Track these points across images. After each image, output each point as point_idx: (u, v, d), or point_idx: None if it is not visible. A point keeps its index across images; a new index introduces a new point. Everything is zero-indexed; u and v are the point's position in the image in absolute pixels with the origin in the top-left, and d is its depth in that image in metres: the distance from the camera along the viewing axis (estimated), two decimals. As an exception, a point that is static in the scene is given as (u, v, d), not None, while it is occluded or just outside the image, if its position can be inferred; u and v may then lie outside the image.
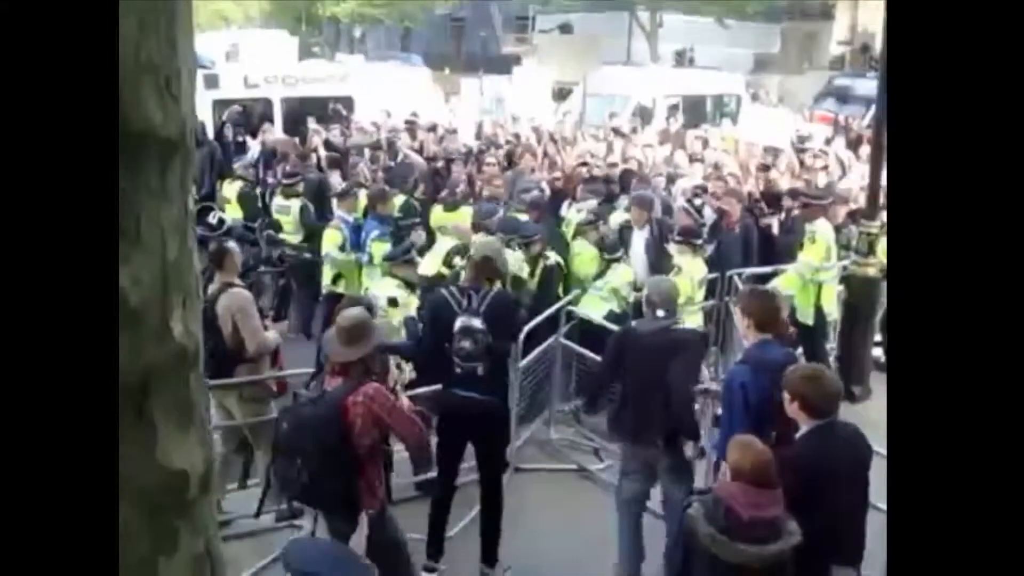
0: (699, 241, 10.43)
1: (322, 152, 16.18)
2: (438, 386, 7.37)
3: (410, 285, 8.91)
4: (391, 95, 21.35)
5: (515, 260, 10.20)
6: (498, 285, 7.28)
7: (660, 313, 6.96)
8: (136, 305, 1.72)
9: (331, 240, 11.19)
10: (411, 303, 8.50)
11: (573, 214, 12.43)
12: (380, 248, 10.31)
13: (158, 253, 1.78)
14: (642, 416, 6.90)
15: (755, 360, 6.14)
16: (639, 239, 11.43)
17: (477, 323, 6.97)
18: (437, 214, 12.14)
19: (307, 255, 11.60)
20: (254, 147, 16.65)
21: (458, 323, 7.00)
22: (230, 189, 13.49)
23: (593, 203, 12.38)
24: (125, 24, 1.63)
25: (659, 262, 10.80)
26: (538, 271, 10.54)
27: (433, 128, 18.69)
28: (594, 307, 10.46)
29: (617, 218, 11.94)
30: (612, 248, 10.89)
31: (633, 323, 7.28)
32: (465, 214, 11.94)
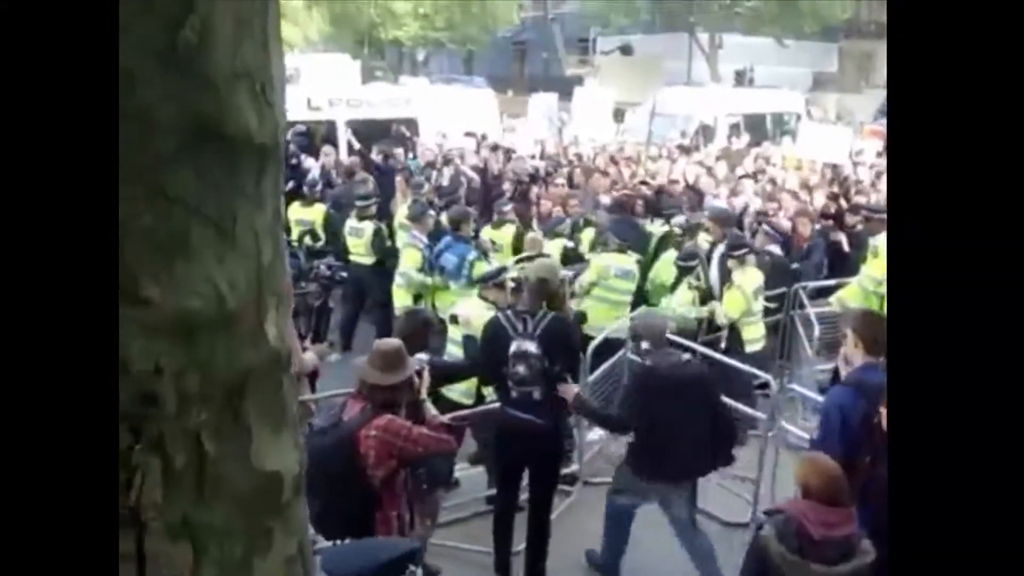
0: (743, 251, 10.43)
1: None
2: (494, 405, 7.37)
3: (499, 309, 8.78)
4: (456, 117, 21.43)
5: (627, 266, 10.43)
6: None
7: (644, 345, 7.02)
8: (233, 308, 1.73)
9: (411, 260, 11.22)
10: (475, 324, 8.37)
11: (655, 227, 12.60)
12: (480, 269, 10.29)
13: (253, 257, 1.80)
14: (658, 453, 6.88)
15: (858, 383, 5.95)
16: (716, 254, 11.40)
17: (532, 347, 6.94)
18: (485, 231, 12.32)
19: (343, 273, 11.57)
20: (314, 168, 16.71)
21: (513, 347, 6.97)
22: (313, 212, 13.31)
23: (682, 219, 12.48)
24: (221, 27, 1.65)
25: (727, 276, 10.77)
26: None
27: (495, 148, 18.79)
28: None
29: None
30: (688, 256, 10.84)
31: (647, 360, 7.23)
32: (507, 232, 12.16)
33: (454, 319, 8.82)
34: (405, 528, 5.88)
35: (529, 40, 57.12)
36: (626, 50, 48.07)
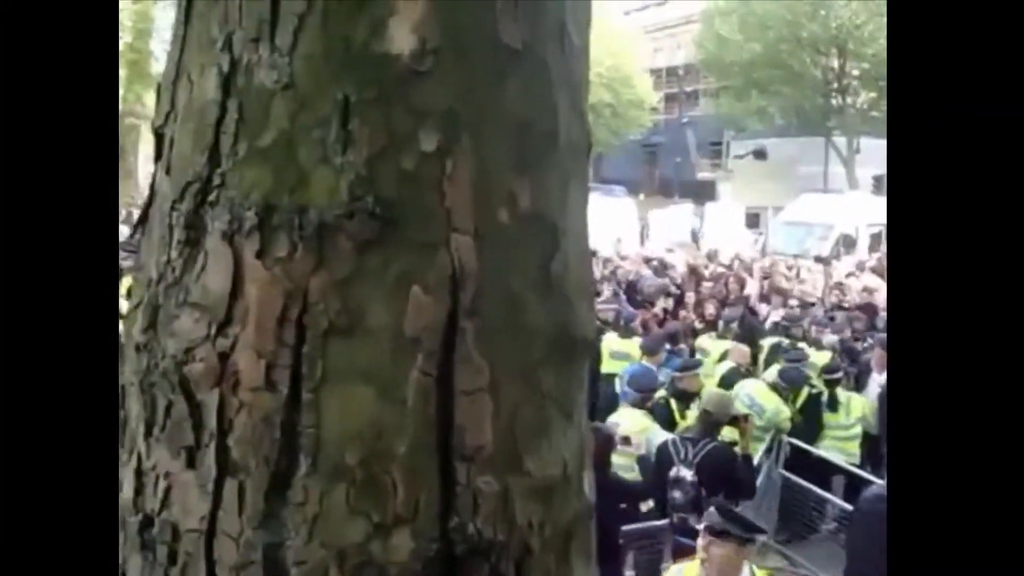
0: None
1: None
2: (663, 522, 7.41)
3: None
4: (596, 224, 21.79)
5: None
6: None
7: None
8: (571, 472, 2.21)
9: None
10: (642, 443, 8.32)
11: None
12: None
13: (579, 428, 2.27)
14: None
15: None
16: (875, 383, 11.11)
17: (688, 475, 7.08)
18: (610, 340, 12.00)
19: None
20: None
21: (672, 472, 7.16)
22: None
23: (834, 339, 12.49)
24: (572, 257, 2.14)
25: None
26: (801, 398, 10.40)
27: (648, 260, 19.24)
28: (838, 449, 10.37)
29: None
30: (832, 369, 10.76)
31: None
32: (634, 345, 11.69)
33: (626, 441, 8.43)
34: None
35: (661, 143, 57.00)
36: (760, 154, 47.35)
